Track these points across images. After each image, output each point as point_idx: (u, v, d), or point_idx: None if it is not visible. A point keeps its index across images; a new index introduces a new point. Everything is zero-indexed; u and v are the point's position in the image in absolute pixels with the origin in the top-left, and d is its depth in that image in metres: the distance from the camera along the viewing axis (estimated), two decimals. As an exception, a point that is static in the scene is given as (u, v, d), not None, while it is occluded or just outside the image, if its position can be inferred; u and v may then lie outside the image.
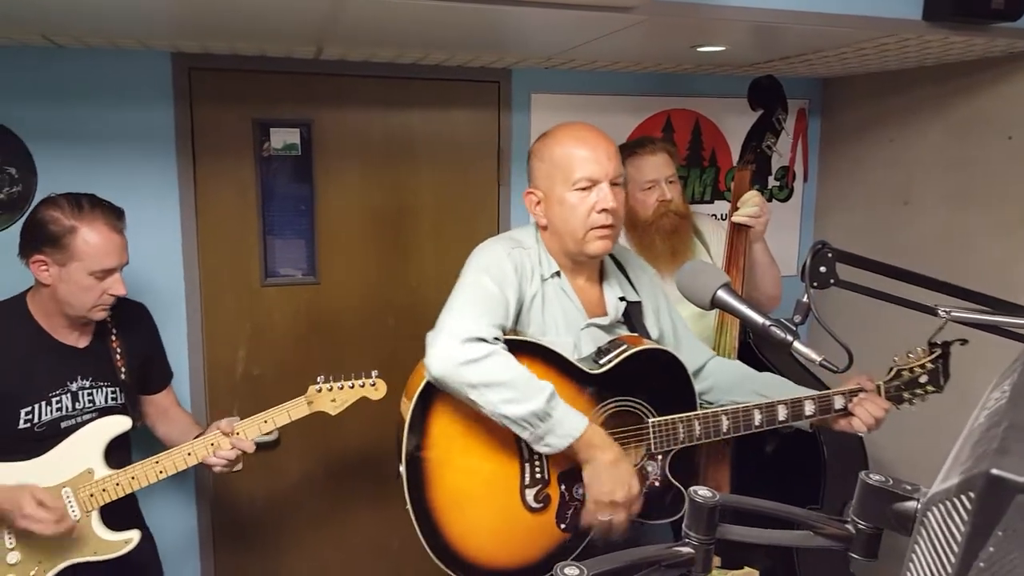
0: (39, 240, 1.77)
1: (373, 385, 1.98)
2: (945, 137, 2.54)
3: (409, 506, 1.59)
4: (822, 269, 1.35)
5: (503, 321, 1.61)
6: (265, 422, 1.91)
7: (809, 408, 1.72)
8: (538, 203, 1.72)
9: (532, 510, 1.63)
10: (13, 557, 1.75)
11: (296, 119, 2.46)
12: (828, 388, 2.02)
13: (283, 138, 2.46)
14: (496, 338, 1.58)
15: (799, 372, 2.22)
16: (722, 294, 1.36)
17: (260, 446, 2.52)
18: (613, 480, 1.55)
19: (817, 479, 2.19)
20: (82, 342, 1.91)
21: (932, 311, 1.38)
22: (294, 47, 2.20)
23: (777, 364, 2.23)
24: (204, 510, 2.53)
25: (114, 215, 1.83)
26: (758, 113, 2.32)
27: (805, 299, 1.34)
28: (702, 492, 0.90)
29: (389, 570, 2.75)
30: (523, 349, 1.63)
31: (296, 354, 2.55)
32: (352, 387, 1.97)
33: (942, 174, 2.55)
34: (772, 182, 2.99)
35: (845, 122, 2.96)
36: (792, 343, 1.28)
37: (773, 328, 1.31)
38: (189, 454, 1.87)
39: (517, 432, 1.54)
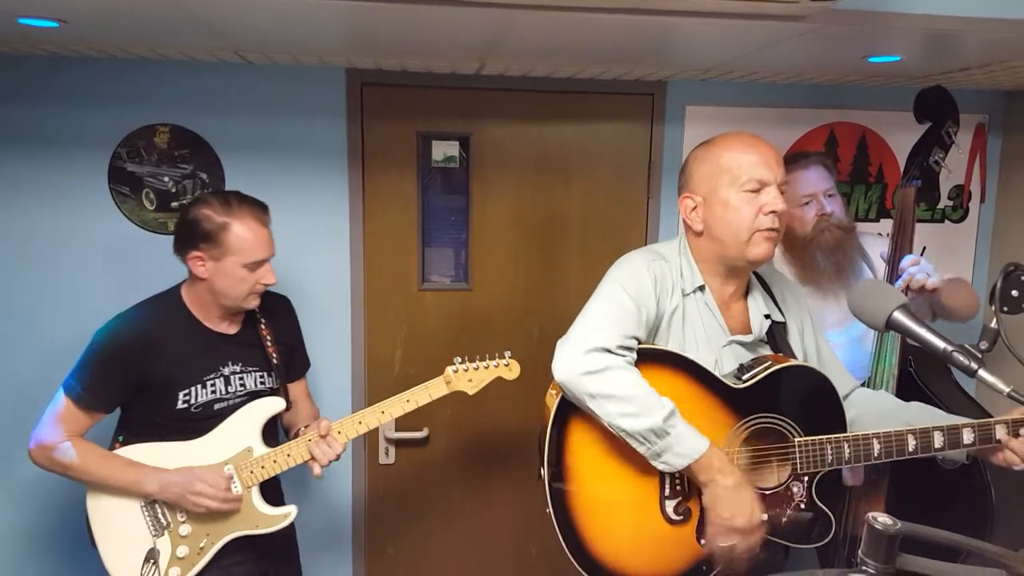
0: (195, 237, 1.87)
1: (507, 365, 2.06)
2: None
3: (550, 507, 1.62)
4: (1014, 293, 1.26)
5: (635, 332, 1.61)
6: (408, 401, 1.99)
7: (967, 436, 1.60)
8: (694, 208, 1.69)
9: (672, 522, 1.62)
10: (185, 529, 1.90)
11: (456, 132, 2.57)
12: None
13: (444, 150, 2.58)
14: (624, 348, 1.58)
15: (966, 404, 2.07)
16: (899, 315, 1.29)
17: (410, 442, 2.67)
18: (733, 505, 1.52)
19: (983, 519, 2.03)
20: (232, 329, 2.00)
21: None
22: (459, 63, 2.31)
23: (941, 395, 2.08)
24: (359, 502, 2.68)
25: (260, 209, 1.92)
26: (926, 126, 2.20)
27: (993, 324, 1.25)
28: (882, 519, 0.87)
29: (526, 575, 2.80)
30: (663, 359, 1.63)
31: (447, 355, 2.63)
32: (487, 367, 2.05)
33: None
34: (945, 201, 2.80)
35: (1030, 137, 2.72)
36: (977, 371, 1.20)
37: (956, 354, 1.23)
38: (288, 455, 1.95)
39: (634, 446, 1.54)
